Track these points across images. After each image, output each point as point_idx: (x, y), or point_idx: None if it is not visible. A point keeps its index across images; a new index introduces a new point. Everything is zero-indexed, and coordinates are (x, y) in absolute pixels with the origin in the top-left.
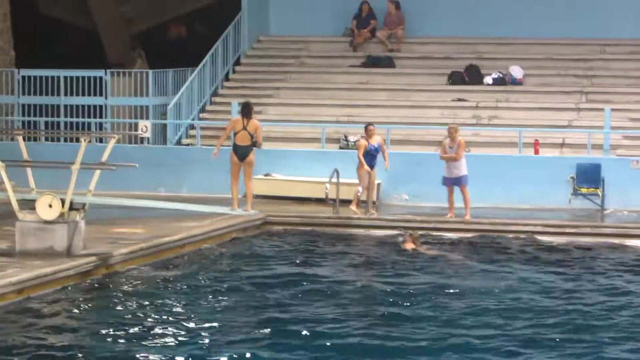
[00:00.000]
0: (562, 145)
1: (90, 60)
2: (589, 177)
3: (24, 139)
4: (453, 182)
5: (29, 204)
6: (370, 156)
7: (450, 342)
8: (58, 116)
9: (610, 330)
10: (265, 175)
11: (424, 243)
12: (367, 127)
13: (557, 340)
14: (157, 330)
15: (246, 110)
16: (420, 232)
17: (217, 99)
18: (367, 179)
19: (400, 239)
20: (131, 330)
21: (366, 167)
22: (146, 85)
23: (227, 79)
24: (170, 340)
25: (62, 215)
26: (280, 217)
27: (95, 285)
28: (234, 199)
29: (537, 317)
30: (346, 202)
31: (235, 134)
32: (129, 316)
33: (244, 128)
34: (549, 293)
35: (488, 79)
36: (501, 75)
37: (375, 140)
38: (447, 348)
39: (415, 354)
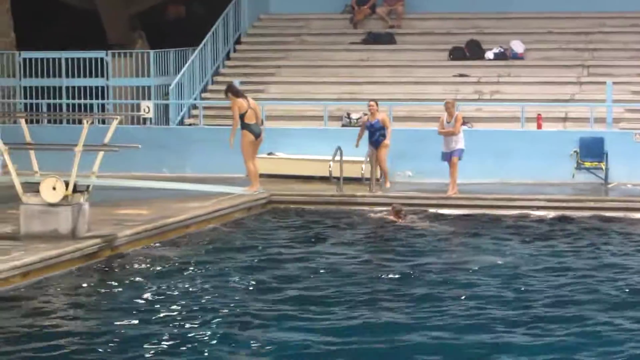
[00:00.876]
0: (564, 119)
1: (91, 41)
2: (592, 150)
3: (26, 122)
4: (450, 156)
5: (32, 187)
6: (369, 133)
7: (449, 319)
8: (60, 98)
9: (614, 305)
10: (269, 154)
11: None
12: (368, 104)
13: (557, 315)
14: (164, 312)
15: (240, 92)
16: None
17: (219, 79)
18: (371, 156)
19: (385, 213)
20: (137, 312)
21: (358, 141)
22: (147, 65)
23: (228, 58)
24: (177, 321)
25: (66, 197)
26: (285, 196)
27: (100, 267)
28: (256, 178)
29: (537, 291)
30: (350, 180)
31: (243, 114)
32: (135, 298)
33: (250, 107)
34: (552, 267)
35: (489, 54)
36: (502, 50)
37: (376, 117)
38: (448, 326)
39: (418, 331)
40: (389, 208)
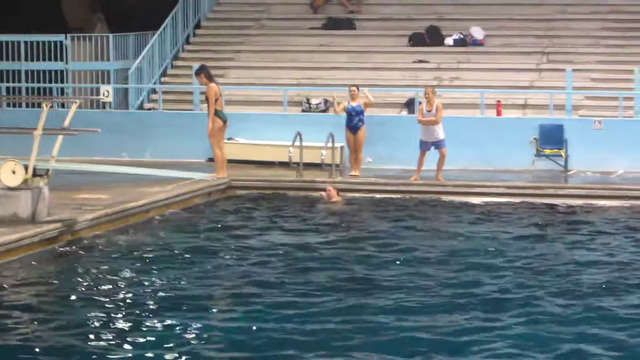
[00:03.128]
0: (524, 106)
1: (50, 24)
2: (551, 138)
3: None
4: (433, 145)
5: None
6: (348, 117)
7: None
8: (19, 82)
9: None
10: (229, 139)
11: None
12: (349, 88)
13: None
14: (123, 297)
15: (213, 75)
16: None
17: (179, 63)
18: (349, 140)
19: (324, 194)
20: (96, 297)
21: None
22: (107, 49)
23: (187, 42)
24: (136, 307)
25: (25, 181)
26: (245, 182)
27: (61, 251)
28: (223, 165)
29: (488, 276)
30: (310, 166)
31: (217, 99)
32: (95, 283)
33: (220, 93)
34: (508, 253)
35: (449, 40)
36: (462, 36)
37: (357, 101)
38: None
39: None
40: (326, 190)
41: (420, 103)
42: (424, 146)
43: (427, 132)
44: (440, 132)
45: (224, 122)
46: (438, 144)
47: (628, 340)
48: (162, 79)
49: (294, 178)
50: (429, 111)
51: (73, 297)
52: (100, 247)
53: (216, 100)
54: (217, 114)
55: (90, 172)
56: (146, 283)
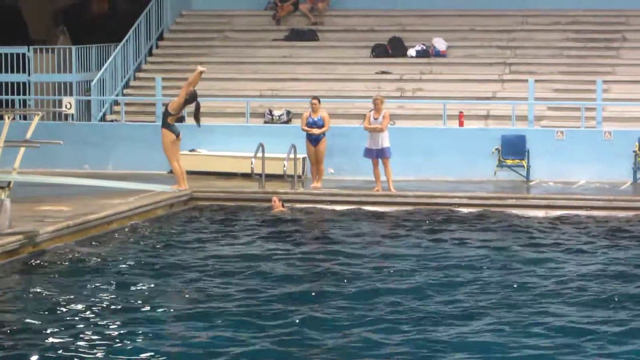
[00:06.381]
0: (486, 117)
1: (12, 36)
2: (514, 148)
3: None
4: (376, 154)
5: None
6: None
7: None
8: None
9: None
10: (191, 150)
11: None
12: (310, 100)
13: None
14: (84, 310)
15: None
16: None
17: (141, 75)
18: (309, 152)
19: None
20: (58, 310)
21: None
22: (69, 61)
23: (150, 54)
24: (98, 320)
25: None
26: (207, 193)
27: (22, 264)
28: (183, 177)
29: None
30: (272, 177)
31: (171, 114)
32: (56, 295)
33: (179, 114)
34: (469, 263)
35: (412, 52)
36: (424, 48)
37: (318, 114)
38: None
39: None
40: (273, 201)
41: (370, 111)
42: (369, 154)
43: (372, 140)
44: (385, 141)
45: (177, 135)
46: (382, 153)
47: None
48: (125, 91)
49: (256, 189)
50: (376, 119)
51: (33, 309)
52: (61, 259)
53: (173, 115)
54: (170, 127)
55: (52, 184)
56: (107, 295)
